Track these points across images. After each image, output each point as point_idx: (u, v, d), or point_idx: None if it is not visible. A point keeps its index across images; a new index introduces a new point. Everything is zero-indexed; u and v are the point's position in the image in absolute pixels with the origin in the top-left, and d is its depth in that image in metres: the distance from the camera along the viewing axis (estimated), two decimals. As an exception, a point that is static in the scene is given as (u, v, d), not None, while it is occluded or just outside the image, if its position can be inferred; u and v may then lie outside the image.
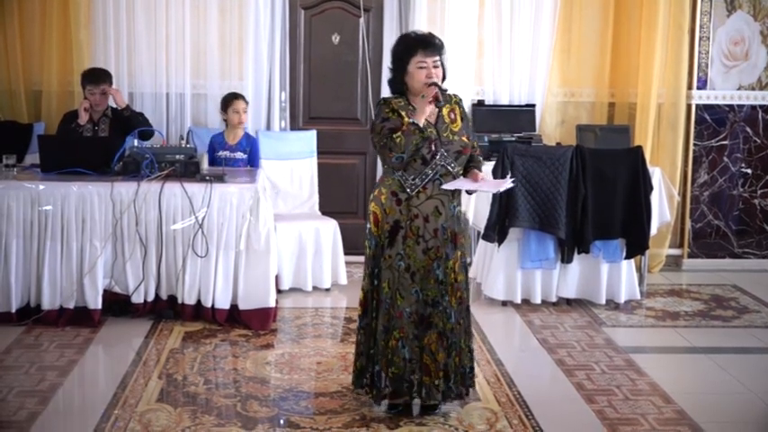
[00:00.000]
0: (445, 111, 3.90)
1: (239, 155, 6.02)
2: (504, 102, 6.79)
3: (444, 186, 3.83)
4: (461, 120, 3.92)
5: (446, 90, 3.92)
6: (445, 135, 3.86)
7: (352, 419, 3.95)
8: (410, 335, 3.87)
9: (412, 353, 3.88)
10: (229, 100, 6.09)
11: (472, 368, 4.04)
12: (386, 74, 6.56)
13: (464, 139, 3.89)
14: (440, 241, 3.86)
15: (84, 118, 5.78)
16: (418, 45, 3.84)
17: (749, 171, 6.97)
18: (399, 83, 3.91)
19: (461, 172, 3.92)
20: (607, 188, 5.64)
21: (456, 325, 3.91)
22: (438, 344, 3.87)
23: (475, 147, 4.00)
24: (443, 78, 3.90)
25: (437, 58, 3.84)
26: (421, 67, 3.82)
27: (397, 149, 3.76)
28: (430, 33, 3.93)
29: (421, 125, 3.78)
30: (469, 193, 4.17)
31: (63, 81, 6.51)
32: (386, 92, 6.48)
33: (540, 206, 5.55)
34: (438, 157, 3.82)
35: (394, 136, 3.76)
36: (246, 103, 6.15)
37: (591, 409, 4.14)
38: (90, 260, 5.10)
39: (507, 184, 4.03)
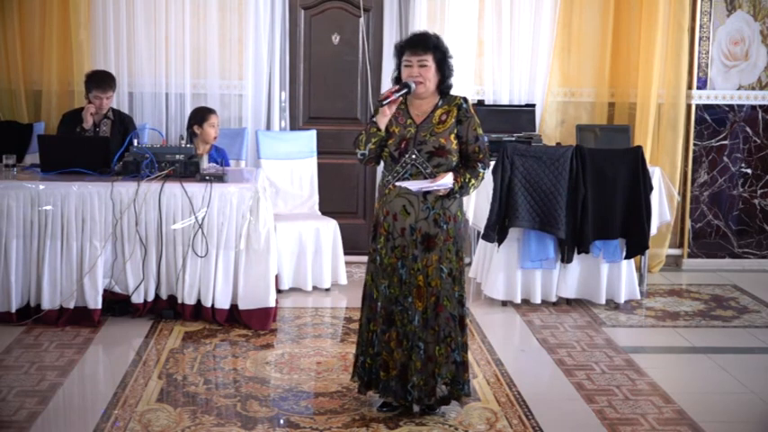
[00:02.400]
0: (439, 111, 3.88)
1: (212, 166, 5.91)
2: (504, 101, 6.79)
3: (397, 184, 3.83)
4: (457, 123, 3.86)
5: (449, 91, 3.93)
6: (423, 135, 3.84)
7: (352, 419, 3.95)
8: (380, 329, 3.91)
9: (379, 347, 3.92)
10: (206, 114, 5.87)
11: (457, 381, 3.93)
12: (386, 74, 6.71)
13: (442, 140, 3.82)
14: (406, 241, 3.85)
15: (89, 122, 5.78)
16: (407, 44, 3.89)
17: (749, 171, 6.97)
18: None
19: (439, 173, 3.83)
20: (607, 188, 5.64)
21: (426, 330, 3.86)
22: (396, 342, 3.88)
23: (478, 152, 3.87)
24: (445, 77, 3.88)
25: (423, 57, 3.82)
26: (406, 66, 3.86)
27: (360, 147, 3.88)
28: (424, 33, 3.93)
29: (381, 126, 3.84)
30: (448, 196, 3.87)
31: (63, 81, 6.51)
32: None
33: (540, 206, 5.55)
34: (407, 155, 3.83)
35: (360, 134, 3.91)
36: (218, 116, 6.00)
37: (591, 409, 4.14)
38: (90, 260, 5.10)
39: (446, 179, 3.79)
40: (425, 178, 3.82)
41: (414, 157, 3.83)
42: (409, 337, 3.87)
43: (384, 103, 3.81)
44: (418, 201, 3.84)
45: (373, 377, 3.98)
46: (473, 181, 3.86)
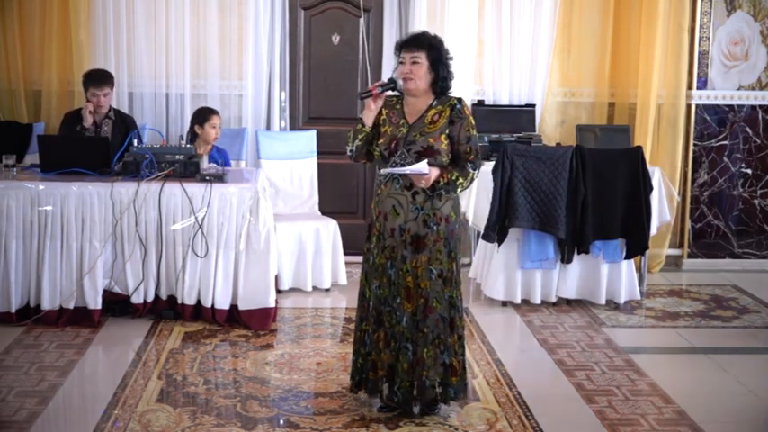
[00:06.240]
0: (432, 111, 3.88)
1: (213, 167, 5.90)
2: (504, 102, 6.79)
3: (382, 171, 3.86)
4: (449, 123, 3.84)
5: (446, 92, 3.93)
6: (414, 135, 3.84)
7: (351, 419, 3.95)
8: (370, 329, 3.94)
9: (370, 346, 3.95)
10: (208, 115, 5.86)
11: (446, 384, 3.90)
12: (386, 74, 6.70)
13: (431, 140, 3.81)
14: (396, 242, 3.86)
15: (89, 121, 5.77)
16: (403, 42, 3.93)
17: (749, 171, 6.97)
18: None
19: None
20: (607, 188, 5.64)
21: (415, 332, 3.85)
22: (384, 343, 3.90)
23: (468, 152, 3.84)
24: (439, 77, 3.85)
25: (416, 54, 3.83)
26: (400, 62, 3.89)
27: (348, 143, 3.95)
28: (422, 32, 3.96)
29: (366, 122, 3.89)
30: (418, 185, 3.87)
31: (63, 81, 6.51)
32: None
33: (540, 206, 5.55)
34: (397, 155, 3.84)
35: (349, 130, 3.97)
36: (220, 117, 5.99)
37: (591, 409, 4.14)
38: (90, 260, 5.10)
39: (421, 165, 3.76)
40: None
41: (403, 156, 3.83)
42: (397, 338, 3.87)
43: (364, 96, 3.85)
44: (407, 201, 3.84)
45: (364, 376, 3.99)
46: (461, 179, 3.83)
